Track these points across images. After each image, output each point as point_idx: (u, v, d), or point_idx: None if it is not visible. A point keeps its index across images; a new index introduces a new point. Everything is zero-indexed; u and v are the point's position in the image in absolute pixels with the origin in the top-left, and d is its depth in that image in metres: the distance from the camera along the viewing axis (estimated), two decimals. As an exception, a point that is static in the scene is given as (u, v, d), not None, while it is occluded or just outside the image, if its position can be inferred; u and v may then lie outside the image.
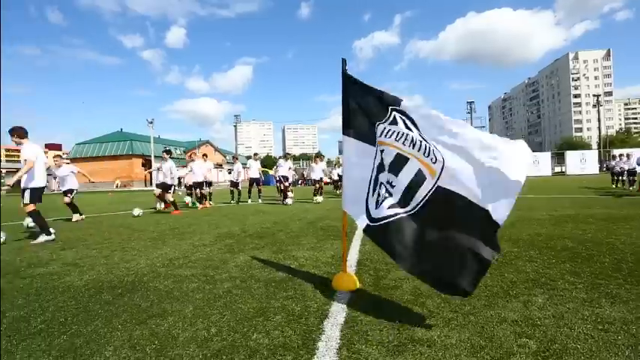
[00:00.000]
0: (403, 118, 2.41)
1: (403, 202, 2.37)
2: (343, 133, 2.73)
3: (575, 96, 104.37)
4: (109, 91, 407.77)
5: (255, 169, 12.87)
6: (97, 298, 2.79)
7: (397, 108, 2.44)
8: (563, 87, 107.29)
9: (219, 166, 59.19)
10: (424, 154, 2.28)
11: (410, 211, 2.34)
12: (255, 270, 3.46)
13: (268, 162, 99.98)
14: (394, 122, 2.44)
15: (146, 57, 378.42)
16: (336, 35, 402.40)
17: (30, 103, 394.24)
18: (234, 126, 51.17)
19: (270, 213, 8.99)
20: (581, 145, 68.05)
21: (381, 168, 2.49)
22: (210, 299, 2.66)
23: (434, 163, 2.24)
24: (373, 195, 2.54)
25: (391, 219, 2.38)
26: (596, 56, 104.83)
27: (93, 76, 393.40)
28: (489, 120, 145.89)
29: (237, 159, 14.21)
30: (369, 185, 2.58)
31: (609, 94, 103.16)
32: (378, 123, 2.52)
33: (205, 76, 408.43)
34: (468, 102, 49.47)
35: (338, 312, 2.34)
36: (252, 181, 12.92)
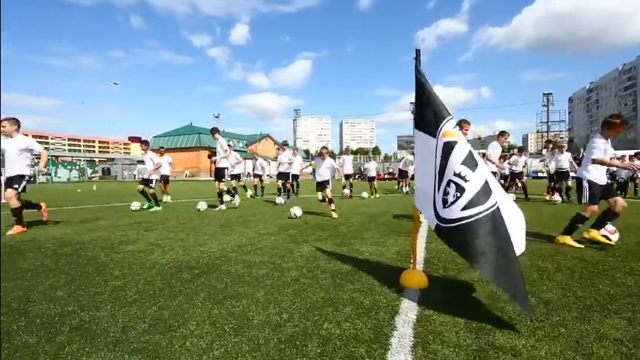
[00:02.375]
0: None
1: (479, 200, 2.21)
2: (415, 127, 2.62)
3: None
4: (180, 88, 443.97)
5: (297, 165, 12.54)
6: (178, 276, 3.05)
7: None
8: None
9: (275, 159, 61.37)
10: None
11: (486, 210, 2.18)
12: (321, 261, 3.51)
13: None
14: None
15: (212, 55, 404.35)
16: (397, 26, 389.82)
17: (118, 101, 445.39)
18: (293, 120, 52.49)
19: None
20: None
21: (447, 161, 2.34)
22: (279, 286, 2.76)
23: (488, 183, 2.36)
24: (439, 192, 2.40)
25: (464, 221, 2.22)
26: None
27: (168, 74, 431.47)
28: (569, 113, 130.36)
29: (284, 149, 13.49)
30: (434, 182, 2.44)
31: None
32: (446, 119, 2.41)
33: (266, 71, 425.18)
34: (544, 94, 44.83)
35: (409, 309, 2.27)
36: (293, 176, 12.63)
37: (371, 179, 12.79)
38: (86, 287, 2.76)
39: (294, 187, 12.92)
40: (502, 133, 8.17)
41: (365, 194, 12.05)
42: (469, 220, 2.19)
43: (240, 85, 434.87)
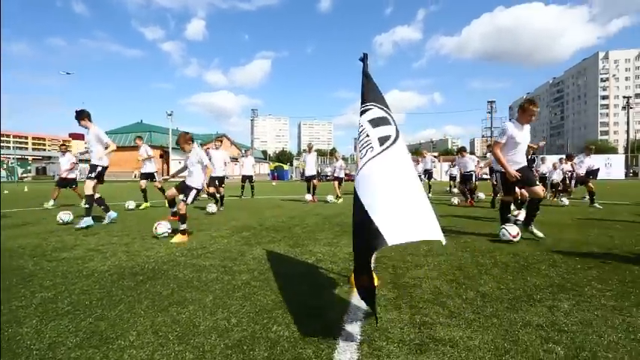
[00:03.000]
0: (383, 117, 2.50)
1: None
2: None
3: (603, 97, 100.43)
4: (130, 83, 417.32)
5: (249, 166, 12.58)
6: (120, 283, 2.86)
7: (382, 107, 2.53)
8: (591, 88, 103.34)
9: (234, 159, 59.93)
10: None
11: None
12: (273, 263, 3.48)
13: (283, 157, 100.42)
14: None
15: (166, 49, 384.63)
16: (356, 30, 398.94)
17: (54, 94, 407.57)
18: (251, 120, 51.55)
19: (285, 207, 9.05)
20: (607, 149, 65.55)
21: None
22: (229, 290, 2.69)
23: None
24: None
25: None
26: (628, 56, 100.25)
27: (116, 68, 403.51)
28: (510, 120, 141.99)
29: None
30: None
31: (639, 96, 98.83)
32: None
33: (224, 69, 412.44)
34: (488, 101, 48.44)
35: (357, 308, 2.32)
36: (245, 178, 12.63)
37: (339, 180, 11.83)
38: (7, 301, 2.49)
39: (251, 188, 12.68)
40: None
41: (330, 198, 10.63)
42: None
43: (195, 82, 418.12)
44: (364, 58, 2.85)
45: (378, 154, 2.24)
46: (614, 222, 6.13)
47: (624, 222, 6.14)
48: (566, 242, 4.41)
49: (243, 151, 14.39)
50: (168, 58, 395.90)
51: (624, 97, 54.17)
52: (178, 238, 4.56)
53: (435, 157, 11.81)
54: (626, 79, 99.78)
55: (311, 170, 11.32)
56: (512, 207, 6.83)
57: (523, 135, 4.51)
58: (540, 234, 4.52)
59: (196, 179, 4.97)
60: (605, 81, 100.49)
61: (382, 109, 2.50)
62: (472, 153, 13.13)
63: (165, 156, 48.42)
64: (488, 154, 10.45)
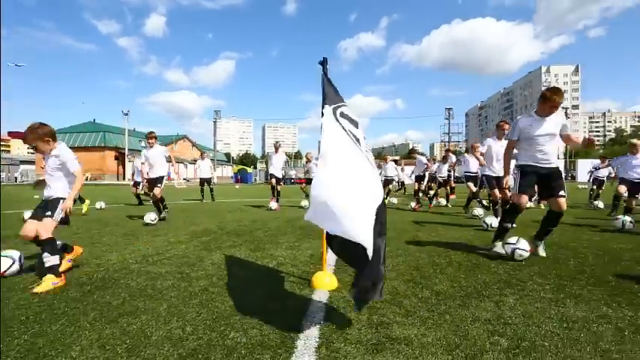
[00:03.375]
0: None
1: None
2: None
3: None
4: (82, 79, 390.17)
5: (206, 169, 12.39)
6: (63, 295, 2.65)
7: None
8: (536, 98, 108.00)
9: (194, 162, 57.95)
10: None
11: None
12: (233, 268, 3.40)
13: (247, 160, 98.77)
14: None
15: (122, 44, 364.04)
16: (321, 34, 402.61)
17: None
18: (214, 121, 50.17)
19: (248, 211, 8.89)
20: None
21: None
22: (185, 297, 2.59)
23: None
24: None
25: None
26: (566, 71, 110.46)
27: (65, 62, 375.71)
28: (465, 126, 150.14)
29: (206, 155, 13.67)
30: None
31: (576, 107, 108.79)
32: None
33: (185, 68, 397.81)
34: (446, 108, 50.79)
35: (316, 311, 2.33)
36: (203, 181, 12.27)
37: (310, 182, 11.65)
38: None
39: (210, 191, 12.34)
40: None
41: (306, 203, 9.71)
42: None
43: (154, 80, 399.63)
44: (324, 62, 2.89)
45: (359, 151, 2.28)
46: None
47: (562, 222, 6.70)
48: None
49: (202, 154, 13.85)
50: (125, 54, 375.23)
51: (563, 107, 59.40)
52: (45, 285, 2.76)
53: (395, 161, 11.77)
54: (565, 91, 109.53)
55: (277, 171, 9.88)
56: (481, 211, 7.15)
57: (543, 128, 3.66)
58: (543, 253, 3.82)
59: (61, 188, 3.24)
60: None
61: (341, 106, 2.55)
62: (421, 155, 13.09)
63: (120, 158, 45.75)
64: (453, 157, 10.89)
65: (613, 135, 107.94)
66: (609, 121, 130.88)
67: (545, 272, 3.22)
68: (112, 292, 2.72)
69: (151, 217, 6.33)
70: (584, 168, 34.70)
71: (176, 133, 67.06)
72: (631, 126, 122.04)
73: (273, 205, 9.22)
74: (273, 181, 9.90)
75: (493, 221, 5.54)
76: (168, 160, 7.44)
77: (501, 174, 4.89)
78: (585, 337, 1.96)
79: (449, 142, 50.64)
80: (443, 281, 2.97)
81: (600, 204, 9.46)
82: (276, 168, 9.90)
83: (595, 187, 10.94)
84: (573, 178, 41.02)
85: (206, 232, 5.54)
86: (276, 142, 10.75)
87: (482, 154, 6.17)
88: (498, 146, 5.71)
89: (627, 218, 5.64)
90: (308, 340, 1.93)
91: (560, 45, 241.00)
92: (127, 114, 42.62)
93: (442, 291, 2.72)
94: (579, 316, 2.25)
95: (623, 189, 7.01)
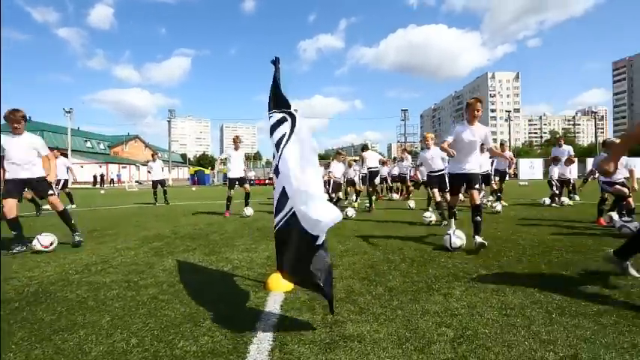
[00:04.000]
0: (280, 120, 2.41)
1: (281, 206, 2.26)
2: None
3: (492, 110, 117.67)
4: (15, 72, 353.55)
5: (158, 171, 11.95)
6: (-12, 312, 2.38)
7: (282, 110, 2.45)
8: (483, 102, 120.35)
9: (144, 164, 54.88)
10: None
11: (285, 216, 2.23)
12: (185, 273, 3.27)
13: (204, 161, 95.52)
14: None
15: (63, 36, 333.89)
16: (280, 34, 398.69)
17: None
18: (168, 121, 47.79)
19: (204, 213, 8.59)
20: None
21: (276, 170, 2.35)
22: (132, 307, 2.44)
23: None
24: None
25: (277, 225, 2.28)
26: (508, 77, 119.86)
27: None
28: (420, 127, 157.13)
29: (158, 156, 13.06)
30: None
31: (517, 110, 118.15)
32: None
33: (137, 64, 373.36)
34: (402, 110, 52.71)
35: (271, 313, 2.31)
36: (156, 184, 11.83)
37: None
38: None
39: (164, 194, 11.78)
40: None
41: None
42: (279, 226, 2.27)
43: (101, 76, 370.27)
44: (276, 62, 2.84)
45: (280, 157, 2.25)
46: (498, 216, 7.19)
47: (505, 216, 7.24)
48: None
49: (153, 155, 13.18)
50: (66, 46, 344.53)
51: (506, 111, 64.32)
52: None
53: (354, 161, 11.60)
54: (507, 96, 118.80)
55: (237, 172, 8.17)
56: (431, 215, 7.27)
57: (469, 135, 4.19)
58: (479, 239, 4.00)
59: None
60: (493, 97, 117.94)
61: (281, 111, 2.43)
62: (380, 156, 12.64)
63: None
64: (409, 157, 11.23)
65: (549, 136, 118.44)
66: (545, 124, 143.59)
67: (489, 264, 3.45)
68: (46, 306, 2.49)
69: (43, 241, 4.27)
70: (525, 166, 37.80)
71: (127, 133, 63.22)
72: (562, 128, 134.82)
73: (249, 211, 7.68)
74: (232, 192, 8.02)
75: (432, 216, 5.83)
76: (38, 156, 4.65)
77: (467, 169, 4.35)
78: (520, 322, 2.12)
79: (405, 142, 52.62)
80: (396, 277, 3.07)
81: (566, 200, 9.37)
82: (239, 169, 8.17)
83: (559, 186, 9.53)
84: (516, 175, 44.42)
85: (158, 237, 5.27)
86: (236, 136, 8.90)
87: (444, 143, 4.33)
88: (467, 134, 4.24)
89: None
90: (261, 344, 1.90)
91: (504, 53, 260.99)
92: (69, 112, 39.35)
93: (395, 287, 2.81)
94: (516, 303, 2.43)
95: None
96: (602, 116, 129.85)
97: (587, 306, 2.34)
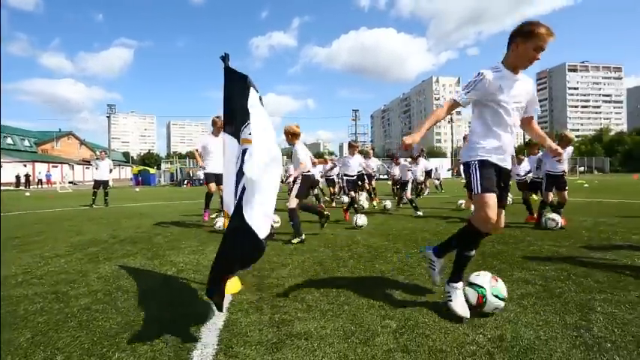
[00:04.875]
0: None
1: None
2: (225, 131, 2.63)
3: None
4: None
5: (106, 170, 11.09)
6: None
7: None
8: (428, 104, 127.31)
9: (85, 162, 50.29)
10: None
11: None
12: (124, 280, 3.05)
13: (150, 160, 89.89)
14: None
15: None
16: (231, 28, 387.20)
17: None
18: (107, 116, 44.08)
19: (149, 215, 8.08)
20: (440, 154, 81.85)
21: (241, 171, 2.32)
22: (59, 321, 2.22)
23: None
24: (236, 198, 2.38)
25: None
26: (450, 82, 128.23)
27: None
28: (371, 128, 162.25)
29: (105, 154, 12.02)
30: (236, 187, 2.35)
31: (459, 113, 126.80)
32: (245, 124, 2.45)
33: (69, 53, 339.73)
34: (353, 110, 54.04)
35: (216, 317, 2.24)
36: (99, 184, 11.02)
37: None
38: None
39: (105, 195, 10.90)
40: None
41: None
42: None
43: (26, 64, 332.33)
44: (225, 58, 2.77)
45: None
46: (442, 210, 7.68)
47: (448, 209, 7.75)
48: (407, 230, 5.28)
49: (98, 152, 12.12)
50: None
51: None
52: None
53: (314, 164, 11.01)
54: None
55: (219, 165, 6.00)
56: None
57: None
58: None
59: None
60: (437, 100, 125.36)
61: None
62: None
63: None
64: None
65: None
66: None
67: (430, 257, 3.67)
68: (-47, 325, 2.18)
69: None
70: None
71: (58, 129, 57.36)
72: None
73: (220, 222, 5.53)
74: (212, 186, 6.45)
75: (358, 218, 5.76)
76: None
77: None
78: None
79: (356, 142, 54.10)
80: (344, 274, 3.15)
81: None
82: (219, 163, 5.99)
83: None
84: (458, 174, 47.79)
85: (94, 242, 4.85)
86: (217, 117, 6.33)
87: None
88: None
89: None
90: (205, 349, 1.84)
91: (447, 59, 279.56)
92: (-15, 104, 34.65)
93: (343, 283, 2.88)
94: (453, 292, 2.61)
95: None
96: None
97: (512, 291, 2.58)
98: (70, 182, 33.15)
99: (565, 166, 5.80)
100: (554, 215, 5.36)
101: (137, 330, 2.06)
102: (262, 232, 2.10)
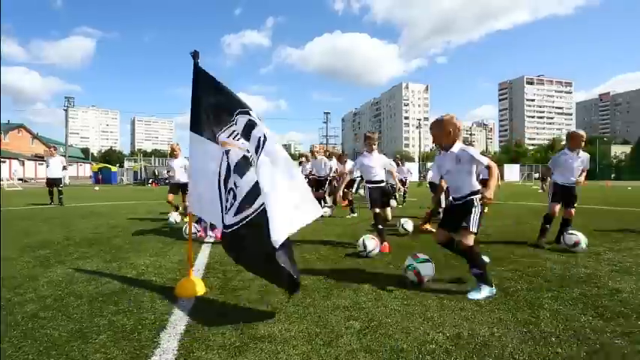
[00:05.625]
0: (247, 122, 2.48)
1: (245, 206, 2.30)
2: (191, 130, 2.57)
3: (406, 117, 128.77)
4: None
5: (57, 168, 10.41)
6: None
7: (245, 111, 2.50)
8: (398, 109, 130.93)
9: (39, 157, 46.83)
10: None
11: (249, 215, 2.29)
12: (78, 284, 2.88)
13: (112, 157, 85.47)
14: (235, 123, 2.48)
15: None
16: (203, 24, 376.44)
17: None
18: (65, 109, 41.30)
19: (108, 216, 7.67)
20: (408, 158, 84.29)
21: (228, 171, 2.41)
22: (1, 329, 2.05)
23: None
24: (222, 200, 2.43)
25: (237, 225, 2.31)
26: (420, 88, 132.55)
27: None
28: (342, 131, 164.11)
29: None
30: (219, 188, 2.46)
31: (426, 119, 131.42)
32: (227, 125, 2.48)
33: (22, 39, 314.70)
34: (325, 112, 54.47)
35: (178, 321, 2.17)
36: (52, 182, 10.28)
37: None
38: None
39: (59, 194, 10.23)
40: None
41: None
42: (239, 225, 2.31)
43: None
44: (195, 55, 2.70)
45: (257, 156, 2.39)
46: (405, 209, 7.89)
47: (415, 209, 7.99)
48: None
49: (48, 149, 11.35)
50: None
51: (417, 119, 71.16)
52: None
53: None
54: (419, 105, 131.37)
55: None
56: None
57: (372, 161, 4.41)
58: None
59: None
60: (406, 105, 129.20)
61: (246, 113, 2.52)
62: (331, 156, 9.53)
63: None
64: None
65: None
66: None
67: (396, 259, 3.76)
68: None
69: None
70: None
71: (7, 121, 53.09)
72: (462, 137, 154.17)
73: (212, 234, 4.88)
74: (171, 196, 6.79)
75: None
76: None
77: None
78: (418, 310, 2.36)
79: (327, 144, 54.52)
80: (310, 276, 3.15)
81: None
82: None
83: None
84: (425, 178, 49.46)
85: (45, 243, 4.53)
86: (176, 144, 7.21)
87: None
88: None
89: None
90: (164, 354, 1.78)
91: (417, 66, 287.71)
92: None
93: (309, 285, 2.89)
94: (416, 292, 2.70)
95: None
96: (491, 128, 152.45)
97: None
98: (19, 179, 30.76)
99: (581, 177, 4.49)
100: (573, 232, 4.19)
101: (90, 337, 1.95)
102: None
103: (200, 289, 2.64)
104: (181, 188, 6.56)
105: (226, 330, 2.05)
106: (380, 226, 4.28)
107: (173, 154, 6.96)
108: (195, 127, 2.57)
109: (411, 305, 2.45)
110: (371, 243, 3.89)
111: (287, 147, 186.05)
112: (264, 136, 2.43)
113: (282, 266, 2.19)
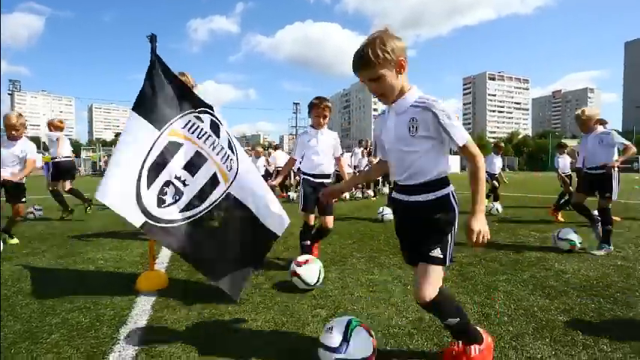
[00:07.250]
0: (212, 119, 2.45)
1: (196, 203, 2.31)
2: (133, 109, 2.37)
3: (375, 109, 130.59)
4: None
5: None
6: None
7: (207, 110, 2.45)
8: (367, 101, 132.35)
9: (-20, 147, 42.74)
10: (222, 159, 2.41)
11: (200, 212, 2.30)
12: (26, 282, 2.69)
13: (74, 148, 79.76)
14: (200, 120, 2.42)
15: None
16: (168, 7, 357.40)
17: None
18: (10, 94, 37.93)
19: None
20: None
21: (164, 161, 2.28)
22: (-63, 331, 1.88)
23: (229, 170, 2.42)
24: (149, 190, 2.26)
25: (183, 222, 2.25)
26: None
27: None
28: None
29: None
30: (140, 175, 2.26)
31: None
32: (183, 115, 2.38)
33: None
34: (294, 103, 54.10)
35: (140, 315, 2.10)
36: None
37: None
38: None
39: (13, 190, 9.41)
40: None
41: None
42: (187, 221, 2.25)
43: None
44: (153, 39, 2.54)
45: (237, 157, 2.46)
46: (378, 204, 8.07)
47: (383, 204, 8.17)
48: (341, 226, 5.47)
49: None
50: None
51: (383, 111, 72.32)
52: None
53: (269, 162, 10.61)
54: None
55: None
56: None
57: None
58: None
59: None
60: (375, 97, 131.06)
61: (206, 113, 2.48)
62: (277, 148, 12.72)
63: None
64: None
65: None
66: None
67: (362, 248, 3.85)
68: None
69: None
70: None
71: (-58, 106, 47.91)
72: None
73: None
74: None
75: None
76: None
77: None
78: (383, 296, 2.44)
79: (296, 134, 54.37)
80: (277, 266, 3.15)
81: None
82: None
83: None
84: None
85: (-11, 239, 4.18)
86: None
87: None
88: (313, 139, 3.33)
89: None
90: (124, 351, 1.71)
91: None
92: None
93: (276, 275, 2.88)
94: (381, 280, 2.78)
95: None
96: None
97: (432, 277, 2.82)
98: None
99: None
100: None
101: (41, 337, 1.84)
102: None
103: (163, 283, 2.56)
104: None
105: (191, 322, 2.01)
106: (307, 242, 3.25)
107: None
108: (139, 108, 2.35)
109: (376, 292, 2.52)
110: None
111: (256, 137, 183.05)
112: (229, 135, 2.49)
113: (238, 269, 2.25)
